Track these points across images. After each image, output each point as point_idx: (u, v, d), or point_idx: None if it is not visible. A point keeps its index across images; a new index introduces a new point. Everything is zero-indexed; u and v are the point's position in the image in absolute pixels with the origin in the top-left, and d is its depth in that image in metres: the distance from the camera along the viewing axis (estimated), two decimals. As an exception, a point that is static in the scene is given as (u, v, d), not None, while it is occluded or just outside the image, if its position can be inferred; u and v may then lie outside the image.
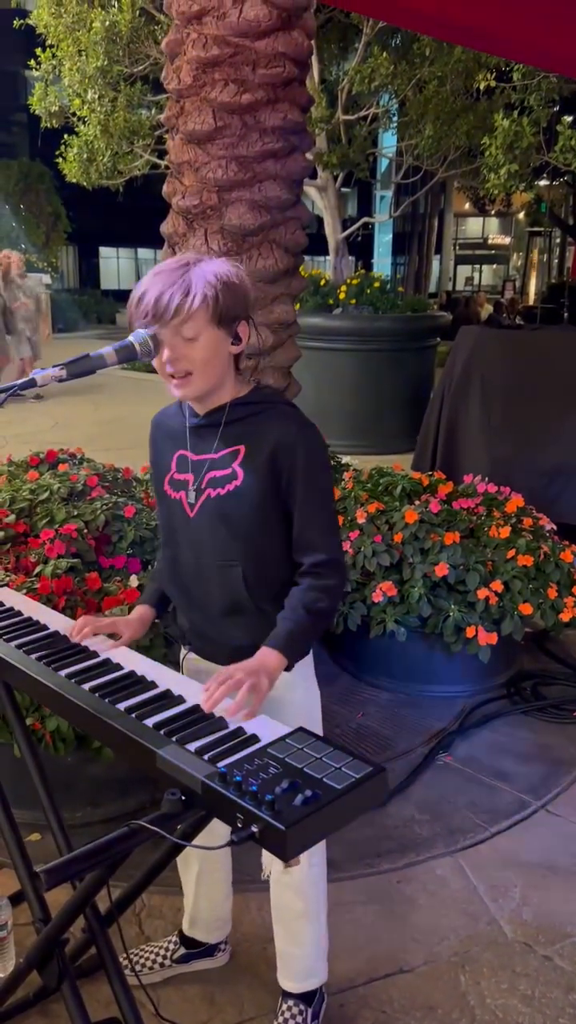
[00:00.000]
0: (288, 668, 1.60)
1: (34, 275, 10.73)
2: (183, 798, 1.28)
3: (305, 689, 1.81)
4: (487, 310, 19.10)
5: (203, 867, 2.05)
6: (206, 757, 1.32)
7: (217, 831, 1.38)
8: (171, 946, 2.15)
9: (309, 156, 8.65)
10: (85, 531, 2.99)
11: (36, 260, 17.54)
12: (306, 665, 1.79)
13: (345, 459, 4.51)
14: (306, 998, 1.97)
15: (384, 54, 7.53)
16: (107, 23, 7.34)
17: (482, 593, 3.30)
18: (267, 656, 1.55)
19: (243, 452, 1.62)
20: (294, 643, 1.59)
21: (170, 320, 1.52)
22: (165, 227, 3.28)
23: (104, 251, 30.00)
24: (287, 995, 1.97)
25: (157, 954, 2.14)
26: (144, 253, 30.80)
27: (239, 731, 1.40)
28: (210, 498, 1.65)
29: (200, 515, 1.67)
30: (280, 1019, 1.95)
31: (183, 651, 1.88)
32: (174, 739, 1.37)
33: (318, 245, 10.23)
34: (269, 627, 1.62)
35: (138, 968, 2.11)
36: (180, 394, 1.61)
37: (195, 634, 1.81)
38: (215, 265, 1.57)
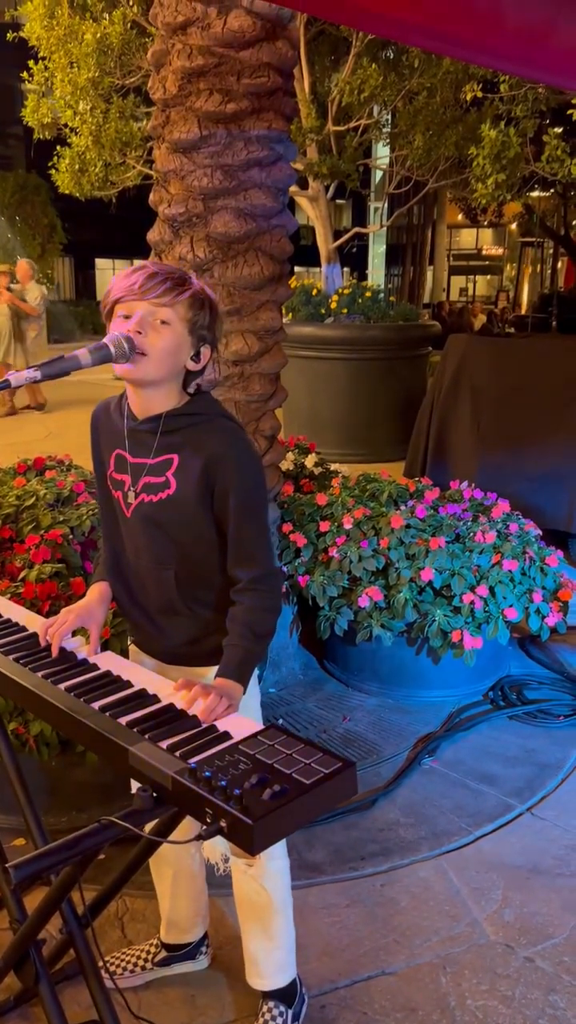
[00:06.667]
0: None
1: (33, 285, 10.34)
2: (154, 794, 1.29)
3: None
4: (481, 320, 19.18)
5: (177, 868, 2.05)
6: (177, 754, 1.33)
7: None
8: (152, 949, 2.15)
9: (299, 166, 8.58)
10: (71, 536, 3.01)
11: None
12: None
13: (333, 466, 4.52)
14: (286, 999, 1.97)
15: (373, 66, 7.59)
16: (98, 35, 7.39)
17: (468, 598, 3.32)
18: (228, 687, 1.58)
19: (176, 462, 1.65)
20: (248, 669, 1.65)
21: (154, 298, 1.56)
22: (151, 235, 3.31)
23: (100, 262, 30.05)
24: (267, 996, 1.97)
25: (138, 957, 2.14)
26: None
27: (211, 728, 1.41)
28: (144, 503, 1.69)
29: (135, 517, 1.71)
30: (261, 1021, 1.95)
31: (129, 639, 1.93)
32: (147, 736, 1.39)
33: (311, 256, 10.28)
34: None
35: (119, 971, 2.11)
36: (125, 369, 1.59)
37: (134, 627, 1.86)
38: (209, 289, 1.67)
